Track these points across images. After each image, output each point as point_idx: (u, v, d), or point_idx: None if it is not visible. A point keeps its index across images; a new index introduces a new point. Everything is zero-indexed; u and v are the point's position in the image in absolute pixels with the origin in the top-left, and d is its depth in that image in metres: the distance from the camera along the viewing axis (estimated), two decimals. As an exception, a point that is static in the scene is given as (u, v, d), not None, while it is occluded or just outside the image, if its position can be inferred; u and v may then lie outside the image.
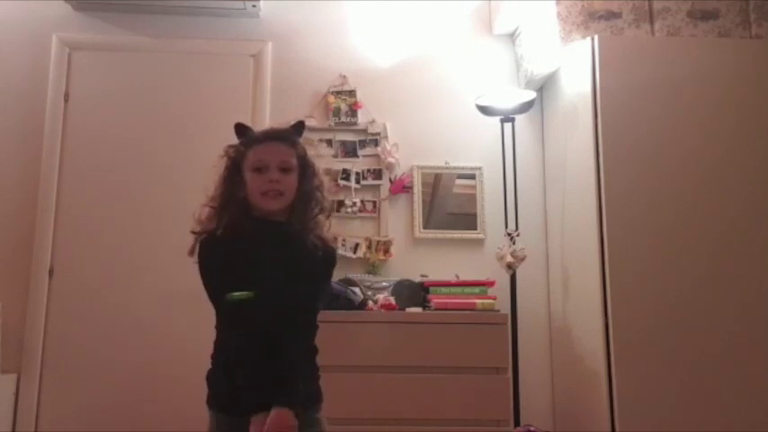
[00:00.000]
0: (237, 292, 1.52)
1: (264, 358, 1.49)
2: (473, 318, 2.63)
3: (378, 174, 3.19)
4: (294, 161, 1.62)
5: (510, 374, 2.68)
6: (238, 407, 1.48)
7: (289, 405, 1.46)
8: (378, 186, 3.19)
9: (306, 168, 1.65)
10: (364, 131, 3.22)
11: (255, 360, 1.50)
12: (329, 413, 1.64)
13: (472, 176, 3.20)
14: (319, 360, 1.64)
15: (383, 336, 2.58)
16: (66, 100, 3.16)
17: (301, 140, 1.69)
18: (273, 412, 1.44)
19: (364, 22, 3.34)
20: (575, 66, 2.81)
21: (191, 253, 1.59)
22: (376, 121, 3.22)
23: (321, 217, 1.65)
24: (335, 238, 1.70)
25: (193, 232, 1.60)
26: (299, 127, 1.70)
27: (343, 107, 3.21)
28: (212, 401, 1.60)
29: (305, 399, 1.52)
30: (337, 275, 2.62)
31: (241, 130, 1.67)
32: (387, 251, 3.08)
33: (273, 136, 1.65)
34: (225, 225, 1.57)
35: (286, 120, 3.32)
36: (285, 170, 1.60)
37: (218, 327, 1.60)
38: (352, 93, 3.23)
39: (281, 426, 1.43)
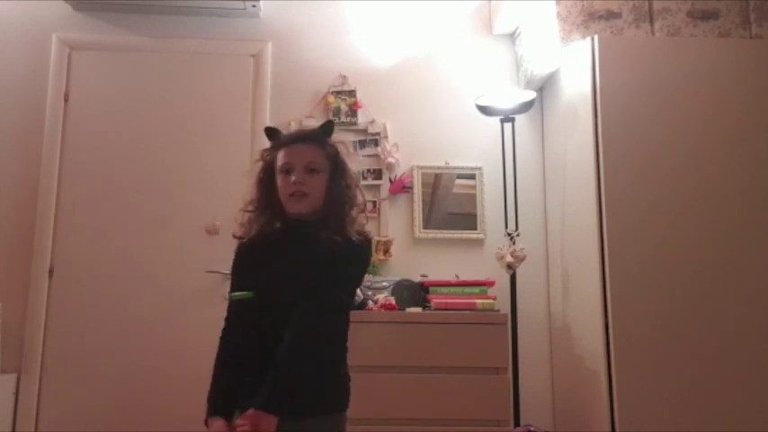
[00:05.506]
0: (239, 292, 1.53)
1: (270, 359, 1.44)
2: (473, 318, 2.63)
3: (378, 174, 3.19)
4: (322, 162, 1.60)
5: (510, 374, 2.68)
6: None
7: (267, 408, 1.35)
8: (378, 186, 3.18)
9: (336, 168, 1.62)
10: (364, 131, 3.21)
11: (259, 361, 1.46)
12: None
13: (472, 176, 3.20)
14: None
15: (383, 336, 2.57)
16: (66, 100, 3.16)
17: (332, 140, 1.67)
18: (249, 412, 1.36)
19: (364, 22, 3.34)
20: (575, 66, 2.81)
21: None
22: (376, 121, 3.22)
23: (352, 214, 1.60)
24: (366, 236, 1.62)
25: (234, 236, 1.64)
26: (328, 127, 1.67)
27: (343, 107, 3.21)
28: None
29: (304, 405, 1.41)
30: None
31: (271, 133, 1.67)
32: (387, 251, 3.08)
33: (301, 138, 1.65)
34: (258, 229, 1.59)
35: (285, 119, 3.32)
36: (312, 171, 1.57)
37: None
38: (352, 93, 3.23)
39: (253, 429, 1.33)
